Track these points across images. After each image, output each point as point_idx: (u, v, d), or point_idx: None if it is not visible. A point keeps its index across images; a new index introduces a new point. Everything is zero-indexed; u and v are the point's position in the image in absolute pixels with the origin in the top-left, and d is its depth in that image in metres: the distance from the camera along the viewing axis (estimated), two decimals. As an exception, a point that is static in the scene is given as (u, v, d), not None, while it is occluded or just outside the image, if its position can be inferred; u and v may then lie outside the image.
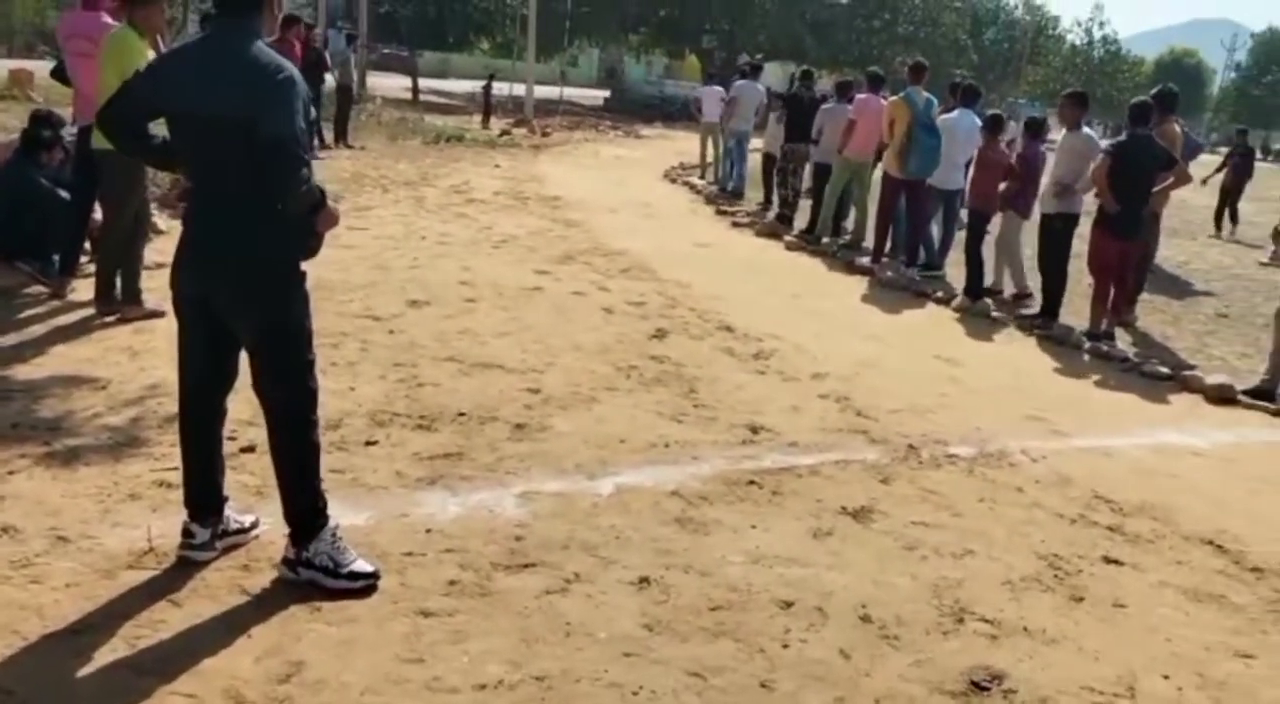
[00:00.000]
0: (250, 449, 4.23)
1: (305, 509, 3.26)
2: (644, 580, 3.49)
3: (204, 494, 3.35)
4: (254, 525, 3.52)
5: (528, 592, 3.35)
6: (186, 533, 3.32)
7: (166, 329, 5.78)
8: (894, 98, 9.99)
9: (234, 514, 3.46)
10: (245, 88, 2.93)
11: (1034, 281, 8.79)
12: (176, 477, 3.90)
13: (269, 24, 3.11)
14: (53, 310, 6.08)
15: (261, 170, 2.92)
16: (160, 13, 5.98)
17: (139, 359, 5.34)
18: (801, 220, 12.08)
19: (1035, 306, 8.61)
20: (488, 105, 26.25)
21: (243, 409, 4.69)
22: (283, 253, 3.10)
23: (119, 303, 6.05)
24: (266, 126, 2.88)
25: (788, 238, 11.42)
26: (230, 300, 3.12)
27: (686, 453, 4.74)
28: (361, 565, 3.29)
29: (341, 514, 3.47)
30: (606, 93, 45.10)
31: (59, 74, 7.24)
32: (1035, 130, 9.25)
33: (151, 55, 5.70)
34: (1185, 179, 7.97)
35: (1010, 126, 29.85)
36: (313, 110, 3.02)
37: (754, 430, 5.12)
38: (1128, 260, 7.79)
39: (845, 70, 45.59)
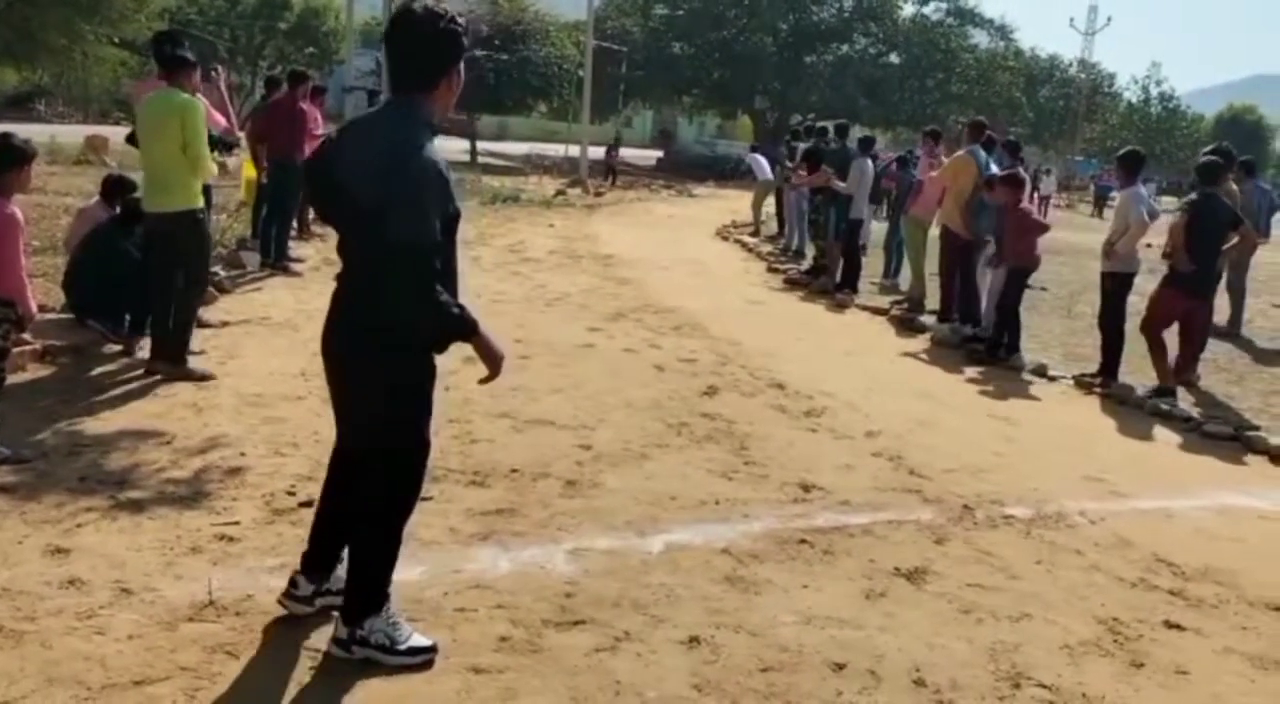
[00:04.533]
0: (309, 504, 4.31)
1: (371, 582, 3.16)
2: (694, 640, 3.48)
3: (320, 550, 3.35)
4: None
5: (578, 649, 3.36)
6: (292, 583, 3.35)
7: (231, 386, 5.97)
8: (959, 153, 9.97)
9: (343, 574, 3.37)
10: (379, 172, 2.80)
11: (1094, 338, 8.66)
12: (237, 531, 4.02)
13: (442, 105, 3.02)
14: (123, 367, 6.27)
15: (383, 262, 2.81)
16: (192, 76, 6.26)
17: (203, 415, 5.48)
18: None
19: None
20: (612, 168, 27.23)
21: (302, 465, 4.81)
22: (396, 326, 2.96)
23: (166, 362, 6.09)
24: (392, 220, 2.75)
25: (839, 297, 11.39)
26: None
27: (737, 511, 4.73)
28: (418, 639, 3.19)
29: (395, 570, 3.51)
30: (660, 153, 45.65)
31: (133, 140, 7.56)
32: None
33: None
34: (1251, 238, 7.85)
35: (1046, 181, 29.61)
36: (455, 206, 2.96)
37: (805, 489, 5.10)
38: (1196, 319, 7.66)
39: (899, 129, 45.90)
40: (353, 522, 3.21)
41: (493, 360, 3.06)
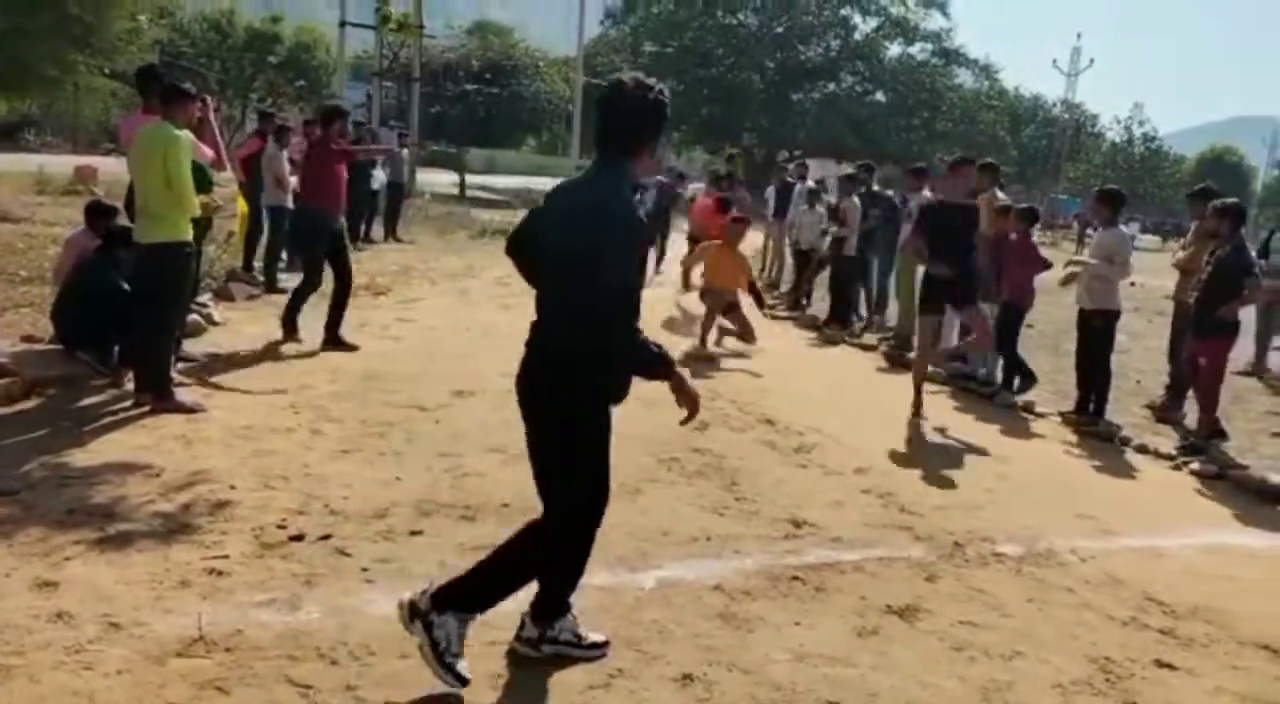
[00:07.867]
0: (299, 538, 4.29)
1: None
2: (687, 677, 3.47)
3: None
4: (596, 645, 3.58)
5: (572, 687, 3.34)
6: (522, 625, 3.52)
7: (220, 419, 5.94)
8: (993, 203, 9.98)
9: (570, 627, 3.55)
10: (589, 222, 3.07)
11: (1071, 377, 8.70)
12: (226, 565, 3.99)
13: (644, 167, 3.31)
14: (111, 399, 6.24)
15: (593, 301, 3.04)
16: (190, 109, 6.32)
17: (192, 448, 5.45)
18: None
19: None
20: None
21: (292, 498, 4.78)
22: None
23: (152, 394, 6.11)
24: (605, 263, 3.01)
25: (828, 332, 11.45)
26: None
27: (729, 547, 4.72)
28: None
29: (388, 604, 3.50)
30: (647, 187, 45.81)
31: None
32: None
33: (189, 140, 6.17)
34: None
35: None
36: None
37: (796, 525, 5.09)
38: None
39: (887, 165, 46.30)
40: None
41: (690, 399, 3.23)
